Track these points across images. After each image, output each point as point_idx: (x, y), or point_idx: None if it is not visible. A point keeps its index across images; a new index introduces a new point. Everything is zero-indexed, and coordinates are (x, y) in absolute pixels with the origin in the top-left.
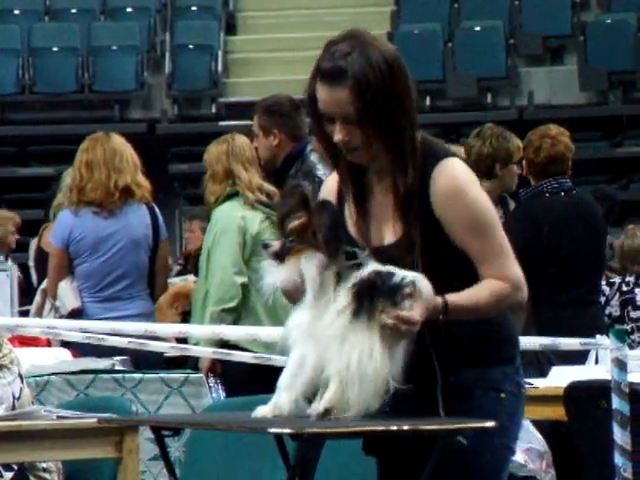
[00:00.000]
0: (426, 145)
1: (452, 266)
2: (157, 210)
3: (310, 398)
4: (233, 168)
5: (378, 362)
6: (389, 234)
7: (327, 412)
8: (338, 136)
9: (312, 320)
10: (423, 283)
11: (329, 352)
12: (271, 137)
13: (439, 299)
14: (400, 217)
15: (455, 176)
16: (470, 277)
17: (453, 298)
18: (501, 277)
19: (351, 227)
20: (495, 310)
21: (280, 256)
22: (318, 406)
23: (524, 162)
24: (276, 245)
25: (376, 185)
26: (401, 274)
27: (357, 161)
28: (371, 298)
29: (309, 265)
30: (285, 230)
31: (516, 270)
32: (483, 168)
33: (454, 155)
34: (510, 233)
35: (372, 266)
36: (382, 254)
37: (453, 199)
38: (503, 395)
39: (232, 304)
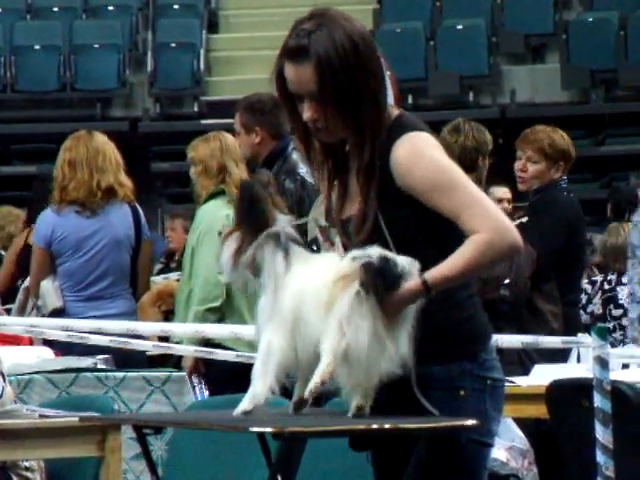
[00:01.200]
0: (398, 122)
1: (424, 241)
2: (140, 209)
3: (284, 383)
4: (227, 164)
5: (387, 347)
6: (352, 209)
7: (323, 384)
8: (306, 114)
9: (271, 302)
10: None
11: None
12: (253, 135)
13: (416, 280)
14: (360, 192)
15: (412, 144)
16: (446, 252)
17: (432, 273)
18: (479, 228)
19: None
20: (487, 264)
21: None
22: (311, 384)
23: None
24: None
25: (351, 162)
26: (402, 263)
27: (324, 140)
28: (382, 281)
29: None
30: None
31: (493, 218)
32: (468, 161)
33: (422, 130)
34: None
35: (376, 249)
36: (344, 227)
37: (410, 164)
38: (462, 393)
39: (216, 303)
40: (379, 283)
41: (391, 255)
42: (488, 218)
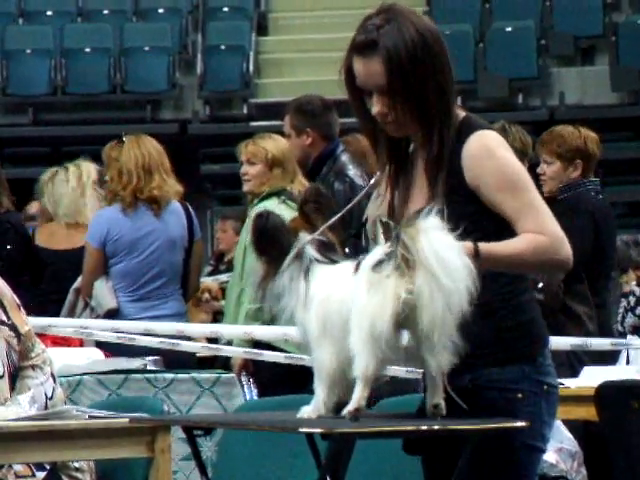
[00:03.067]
0: (466, 121)
1: (487, 238)
2: (191, 210)
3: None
4: (296, 168)
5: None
6: (416, 205)
7: (357, 411)
8: (375, 108)
9: (302, 320)
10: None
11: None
12: (304, 137)
13: (468, 243)
14: (427, 187)
15: (485, 142)
16: None
17: (485, 245)
18: (539, 231)
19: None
20: (535, 265)
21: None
22: (348, 407)
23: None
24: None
25: (417, 159)
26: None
27: (393, 134)
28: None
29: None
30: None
31: (553, 226)
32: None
33: (490, 129)
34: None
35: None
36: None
37: (482, 159)
38: (520, 395)
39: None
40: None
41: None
42: (549, 225)
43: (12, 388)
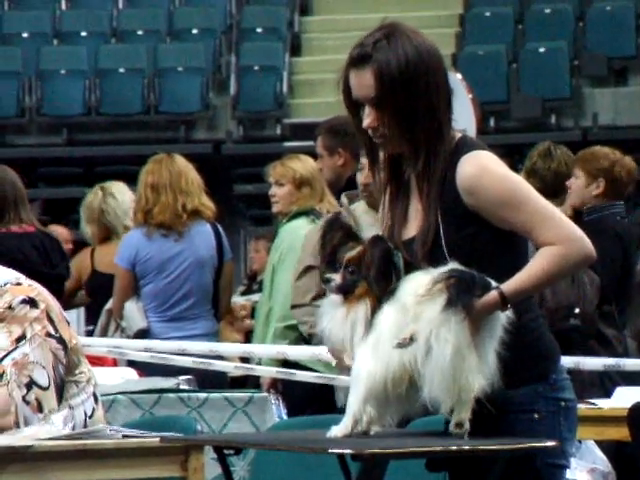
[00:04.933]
0: (462, 142)
1: (479, 261)
2: (221, 230)
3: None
4: (325, 187)
5: (473, 369)
6: (413, 228)
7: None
8: (366, 120)
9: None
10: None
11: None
12: (336, 157)
13: (493, 292)
14: (422, 211)
15: (477, 161)
16: (507, 270)
17: (508, 284)
18: (553, 241)
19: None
20: (562, 275)
21: (345, 290)
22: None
23: (603, 178)
24: (338, 278)
25: (414, 180)
26: (480, 276)
27: (384, 150)
28: (469, 296)
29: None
30: (341, 260)
31: (566, 228)
32: (558, 186)
33: (485, 149)
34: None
35: (454, 265)
36: (407, 247)
37: (479, 179)
38: (536, 416)
39: (296, 321)
40: (466, 298)
41: (468, 270)
42: (561, 230)
43: (59, 400)
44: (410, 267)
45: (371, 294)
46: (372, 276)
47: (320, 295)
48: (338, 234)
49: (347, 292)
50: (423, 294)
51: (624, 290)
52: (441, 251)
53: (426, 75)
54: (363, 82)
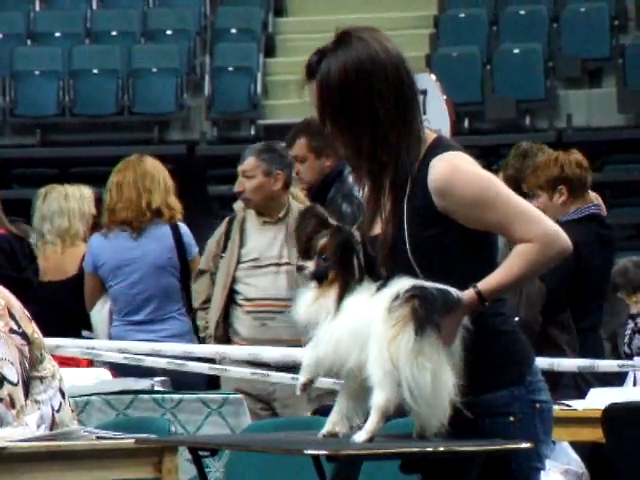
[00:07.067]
0: (435, 143)
1: (444, 263)
2: (182, 230)
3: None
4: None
5: (449, 384)
6: (379, 227)
7: (370, 441)
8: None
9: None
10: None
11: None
12: (323, 158)
13: (470, 291)
14: (389, 211)
15: (449, 162)
16: (471, 271)
17: (484, 283)
18: (529, 237)
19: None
20: (538, 270)
21: (318, 277)
22: (360, 435)
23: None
24: (312, 265)
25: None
26: (443, 288)
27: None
28: (436, 314)
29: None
30: (315, 248)
31: (541, 225)
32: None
33: (458, 150)
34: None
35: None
36: (372, 244)
37: (450, 180)
38: (512, 419)
39: None
40: (434, 319)
41: (430, 284)
42: (536, 225)
43: (26, 395)
44: (374, 260)
45: (340, 281)
46: (331, 264)
47: (209, 299)
48: (312, 222)
49: (321, 279)
50: (389, 318)
51: (586, 293)
52: (405, 249)
53: (368, 82)
54: (314, 94)
